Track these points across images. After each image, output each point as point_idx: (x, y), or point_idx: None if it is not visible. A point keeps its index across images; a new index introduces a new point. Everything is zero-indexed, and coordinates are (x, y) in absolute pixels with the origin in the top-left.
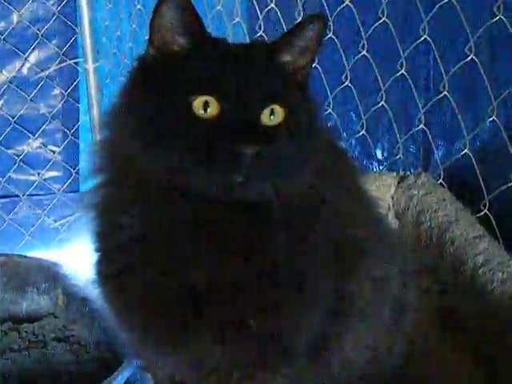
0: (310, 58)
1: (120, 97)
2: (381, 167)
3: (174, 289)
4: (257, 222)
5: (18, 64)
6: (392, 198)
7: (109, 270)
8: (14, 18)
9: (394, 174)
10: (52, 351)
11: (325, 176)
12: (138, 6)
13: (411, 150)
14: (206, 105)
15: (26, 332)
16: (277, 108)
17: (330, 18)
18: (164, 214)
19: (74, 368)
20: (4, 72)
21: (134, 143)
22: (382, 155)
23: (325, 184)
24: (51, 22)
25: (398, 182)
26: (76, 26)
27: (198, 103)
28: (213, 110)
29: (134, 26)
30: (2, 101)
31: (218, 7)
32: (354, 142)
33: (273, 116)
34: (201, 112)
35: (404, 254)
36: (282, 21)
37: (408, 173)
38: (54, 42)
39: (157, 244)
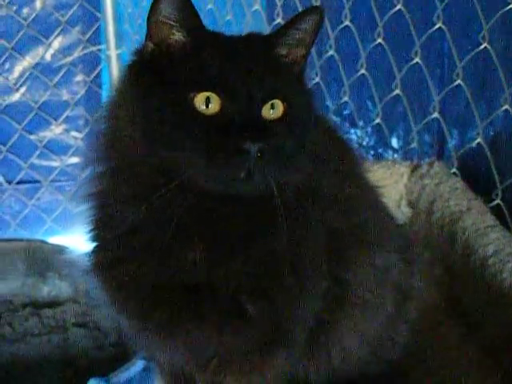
0: (306, 49)
1: (119, 90)
2: (396, 156)
3: (173, 277)
4: (256, 212)
5: (41, 50)
6: (405, 186)
7: (106, 259)
8: (38, 4)
9: (408, 162)
10: (72, 336)
11: (322, 165)
12: None
13: (426, 138)
14: (207, 100)
15: (46, 317)
16: (277, 102)
17: (346, 6)
18: (164, 206)
19: (94, 353)
20: (27, 58)
21: (134, 137)
22: (398, 144)
23: (322, 173)
24: (75, 8)
25: (411, 171)
26: (99, 12)
27: (199, 99)
28: (215, 105)
29: None
30: (25, 87)
31: None
32: (370, 130)
33: (272, 110)
34: (203, 108)
35: (408, 242)
36: (299, 8)
37: (422, 162)
38: (77, 28)
39: (155, 234)
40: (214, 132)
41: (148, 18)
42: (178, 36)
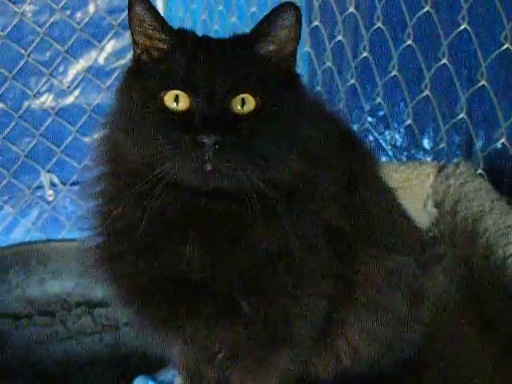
0: (291, 47)
1: (114, 97)
2: (427, 157)
3: (169, 273)
4: (243, 210)
5: (94, 54)
6: (431, 187)
7: (107, 254)
8: (91, 8)
9: (434, 163)
10: (123, 336)
11: (321, 163)
12: None
13: (455, 139)
14: (176, 98)
15: (99, 316)
16: (247, 97)
17: (378, 7)
18: (153, 204)
19: (144, 352)
20: (81, 62)
21: (123, 139)
22: (429, 145)
23: (320, 171)
24: (127, 12)
25: (438, 172)
26: None
27: (168, 97)
28: (183, 103)
29: (204, 17)
30: (78, 90)
31: None
32: (403, 131)
33: (244, 105)
34: (173, 105)
35: (424, 243)
36: (336, 12)
37: (450, 162)
38: (129, 31)
39: (150, 231)
40: (179, 127)
41: (129, 26)
42: (156, 41)
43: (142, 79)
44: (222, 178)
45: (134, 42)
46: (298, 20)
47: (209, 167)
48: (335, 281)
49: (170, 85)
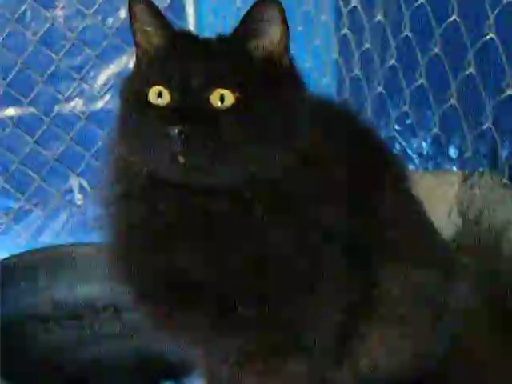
0: (279, 43)
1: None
2: (453, 166)
3: (169, 274)
4: (235, 210)
5: (125, 59)
6: (456, 196)
7: (113, 255)
8: (122, 13)
9: (459, 172)
10: (151, 340)
11: (324, 167)
12: (238, 5)
13: (481, 149)
14: (159, 94)
15: (127, 320)
16: (226, 93)
17: (405, 16)
18: (150, 205)
19: (172, 357)
20: (111, 67)
21: (120, 142)
22: (455, 154)
23: (321, 174)
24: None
25: (462, 181)
26: (181, 21)
27: (151, 93)
28: (165, 98)
29: (233, 22)
30: (109, 95)
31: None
32: (429, 140)
33: (223, 100)
34: (156, 101)
35: (450, 256)
36: (363, 18)
37: (475, 172)
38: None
39: (150, 230)
40: (156, 121)
41: (131, 29)
42: (155, 37)
43: (135, 80)
44: (195, 172)
45: (136, 45)
46: (282, 15)
47: (181, 160)
48: (353, 294)
49: (153, 81)
